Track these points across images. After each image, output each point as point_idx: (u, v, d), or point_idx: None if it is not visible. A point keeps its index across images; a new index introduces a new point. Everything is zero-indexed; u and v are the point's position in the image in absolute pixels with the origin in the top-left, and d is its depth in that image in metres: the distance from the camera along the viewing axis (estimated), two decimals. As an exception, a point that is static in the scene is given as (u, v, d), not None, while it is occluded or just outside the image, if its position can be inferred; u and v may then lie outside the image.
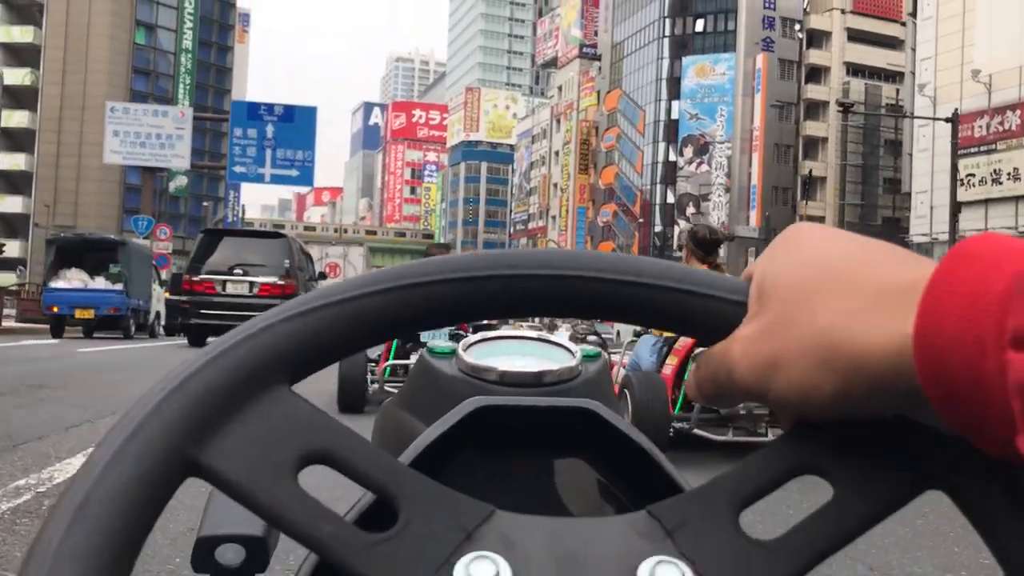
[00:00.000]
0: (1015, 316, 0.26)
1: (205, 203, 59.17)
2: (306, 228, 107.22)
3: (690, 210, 61.56)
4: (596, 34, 75.76)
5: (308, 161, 23.75)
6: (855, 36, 63.74)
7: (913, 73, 48.48)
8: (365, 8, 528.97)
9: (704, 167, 61.43)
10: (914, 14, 44.45)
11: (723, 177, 60.81)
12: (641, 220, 64.31)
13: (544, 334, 0.59)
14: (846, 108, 27.85)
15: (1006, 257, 0.28)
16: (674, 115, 62.97)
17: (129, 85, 62.28)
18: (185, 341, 16.41)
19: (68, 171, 61.66)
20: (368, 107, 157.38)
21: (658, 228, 63.87)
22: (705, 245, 5.36)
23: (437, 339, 4.73)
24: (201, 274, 14.98)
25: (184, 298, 15.21)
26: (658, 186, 64.27)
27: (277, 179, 23.96)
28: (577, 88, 75.29)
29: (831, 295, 0.32)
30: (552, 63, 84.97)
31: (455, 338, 7.83)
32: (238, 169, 23.96)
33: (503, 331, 0.62)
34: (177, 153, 23.64)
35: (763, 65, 59.91)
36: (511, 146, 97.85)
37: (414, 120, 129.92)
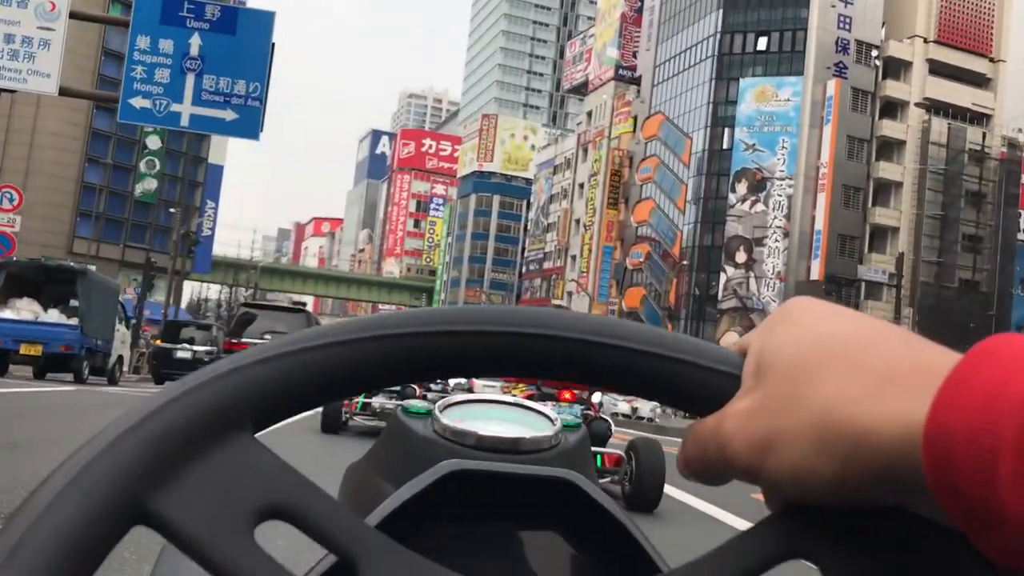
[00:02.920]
0: None
1: (172, 209, 50.10)
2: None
3: (740, 256, 52.54)
4: (635, 56, 67.37)
5: (254, 98, 14.56)
6: (938, 69, 55.38)
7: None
8: (379, 40, 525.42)
9: (759, 206, 52.53)
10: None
11: (781, 219, 51.86)
12: (685, 263, 55.15)
13: (522, 399, 0.57)
14: None
15: None
16: (726, 144, 54.33)
17: (98, 70, 53.61)
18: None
19: (17, 163, 52.82)
20: (376, 135, 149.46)
21: (697, 273, 54.84)
22: None
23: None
24: (241, 338, 17.77)
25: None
26: (699, 225, 55.37)
27: (201, 122, 14.67)
28: (610, 114, 66.65)
29: (834, 374, 0.31)
30: (581, 88, 76.52)
31: (403, 396, 8.13)
32: (137, 103, 14.66)
33: (480, 394, 0.59)
34: (38, 68, 14.47)
35: (835, 92, 51.28)
36: (527, 179, 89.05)
37: (424, 150, 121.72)
